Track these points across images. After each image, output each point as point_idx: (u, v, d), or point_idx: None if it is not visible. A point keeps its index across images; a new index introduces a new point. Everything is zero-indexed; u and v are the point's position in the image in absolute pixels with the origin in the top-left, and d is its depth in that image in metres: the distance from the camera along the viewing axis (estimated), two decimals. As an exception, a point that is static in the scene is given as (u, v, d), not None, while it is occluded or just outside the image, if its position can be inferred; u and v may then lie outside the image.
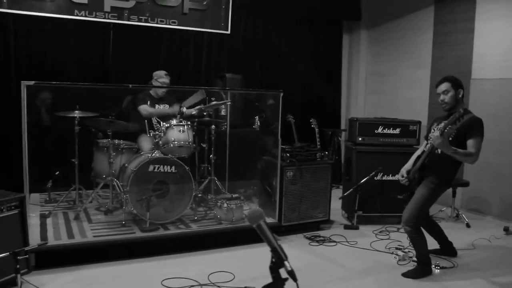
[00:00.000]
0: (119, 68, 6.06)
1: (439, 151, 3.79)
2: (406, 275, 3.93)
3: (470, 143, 3.71)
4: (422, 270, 3.97)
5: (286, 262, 1.53)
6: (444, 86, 3.89)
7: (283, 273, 1.57)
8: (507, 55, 5.70)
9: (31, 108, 4.43)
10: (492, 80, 5.84)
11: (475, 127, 3.75)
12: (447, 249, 4.40)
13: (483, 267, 4.19)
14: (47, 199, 5.27)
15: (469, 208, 6.20)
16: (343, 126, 8.15)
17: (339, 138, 7.71)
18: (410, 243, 4.16)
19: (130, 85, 4.83)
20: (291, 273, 1.51)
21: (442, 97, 3.89)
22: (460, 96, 3.87)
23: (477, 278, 3.94)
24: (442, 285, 3.78)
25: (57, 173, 5.33)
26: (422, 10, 6.86)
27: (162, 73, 5.36)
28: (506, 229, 5.24)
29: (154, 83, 5.33)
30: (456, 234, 4.98)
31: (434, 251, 4.35)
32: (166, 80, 5.33)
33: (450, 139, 3.73)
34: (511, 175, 5.68)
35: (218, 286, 3.56)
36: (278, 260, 1.54)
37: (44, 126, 5.47)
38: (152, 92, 5.36)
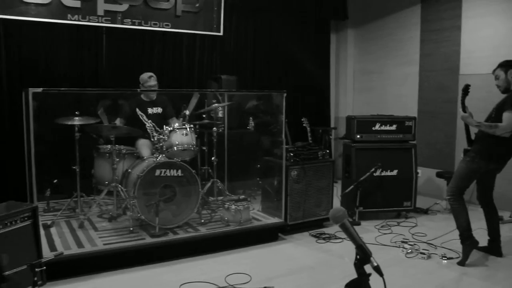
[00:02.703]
0: (112, 72, 5.97)
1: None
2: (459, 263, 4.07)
3: (503, 116, 3.88)
4: (464, 248, 4.07)
5: (372, 258, 1.56)
6: (496, 72, 4.12)
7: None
8: (493, 51, 5.90)
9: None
10: (479, 76, 6.01)
11: (508, 100, 3.91)
12: (493, 246, 4.31)
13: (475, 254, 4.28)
14: (46, 208, 5.15)
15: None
16: (332, 124, 8.26)
17: (330, 136, 7.81)
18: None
19: (139, 90, 4.76)
20: (377, 269, 1.55)
21: (496, 82, 4.12)
22: (511, 77, 4.00)
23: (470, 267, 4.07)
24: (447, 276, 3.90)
25: (55, 181, 5.22)
26: (409, 8, 7.02)
27: (146, 76, 5.26)
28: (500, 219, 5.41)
29: (142, 88, 5.27)
30: (453, 226, 5.11)
31: (480, 248, 4.31)
32: (151, 82, 5.24)
33: (493, 115, 4.00)
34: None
35: (238, 288, 3.58)
36: (364, 256, 1.57)
37: (41, 133, 5.34)
38: (143, 96, 5.32)
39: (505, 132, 3.86)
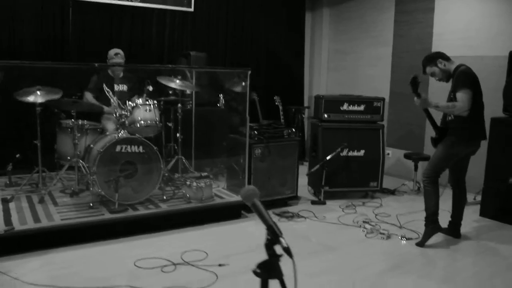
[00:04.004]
0: (79, 47, 5.83)
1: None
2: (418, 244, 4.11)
3: (457, 96, 3.88)
4: (427, 231, 4.12)
5: (281, 239, 1.53)
6: (427, 71, 4.11)
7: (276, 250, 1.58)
8: (465, 33, 5.89)
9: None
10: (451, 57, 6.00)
11: (458, 80, 3.92)
12: (453, 228, 4.37)
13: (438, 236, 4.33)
14: (7, 182, 5.07)
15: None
16: (306, 103, 8.23)
17: (303, 115, 7.78)
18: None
19: (96, 64, 4.65)
20: (287, 250, 1.52)
21: (436, 79, 4.12)
22: (443, 65, 4.02)
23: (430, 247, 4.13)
24: (407, 256, 3.94)
25: (17, 155, 5.13)
26: (383, -11, 6.96)
27: (112, 53, 5.19)
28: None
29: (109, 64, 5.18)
30: (418, 206, 5.17)
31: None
32: (117, 60, 5.18)
33: (452, 96, 3.96)
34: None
35: (192, 265, 3.56)
36: (273, 237, 1.54)
37: (1, 106, 5.23)
38: (109, 72, 5.23)
39: (463, 111, 3.85)
